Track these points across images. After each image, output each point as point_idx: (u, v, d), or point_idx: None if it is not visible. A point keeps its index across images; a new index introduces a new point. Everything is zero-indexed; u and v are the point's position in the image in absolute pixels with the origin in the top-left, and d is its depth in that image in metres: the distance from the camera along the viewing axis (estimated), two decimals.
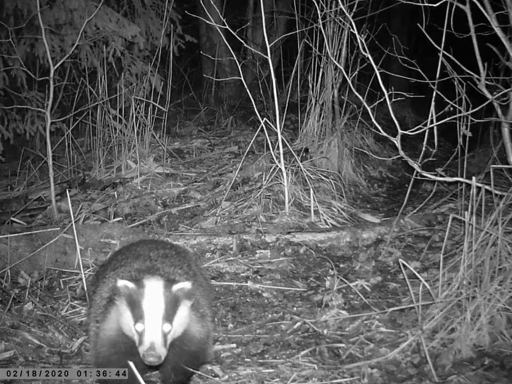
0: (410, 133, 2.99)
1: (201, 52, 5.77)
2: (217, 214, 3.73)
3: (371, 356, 2.27)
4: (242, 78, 3.79)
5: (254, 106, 3.79)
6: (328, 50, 4.03)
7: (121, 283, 1.80)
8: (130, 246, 2.44)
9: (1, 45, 4.66)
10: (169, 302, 1.77)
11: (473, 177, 2.47)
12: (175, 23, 5.56)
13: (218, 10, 4.18)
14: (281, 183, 3.80)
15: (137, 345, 1.75)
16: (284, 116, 4.02)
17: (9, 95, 4.82)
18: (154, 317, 1.74)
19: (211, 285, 2.79)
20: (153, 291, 1.77)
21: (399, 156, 3.11)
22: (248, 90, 3.87)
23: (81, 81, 4.96)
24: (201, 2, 3.83)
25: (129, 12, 5.72)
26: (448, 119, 3.02)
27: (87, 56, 4.92)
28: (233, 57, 3.88)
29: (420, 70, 3.33)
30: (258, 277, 3.03)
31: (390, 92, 3.05)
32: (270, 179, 3.85)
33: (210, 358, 2.15)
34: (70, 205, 2.70)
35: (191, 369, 1.99)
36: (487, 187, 2.57)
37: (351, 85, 3.50)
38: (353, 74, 4.57)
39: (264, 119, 3.70)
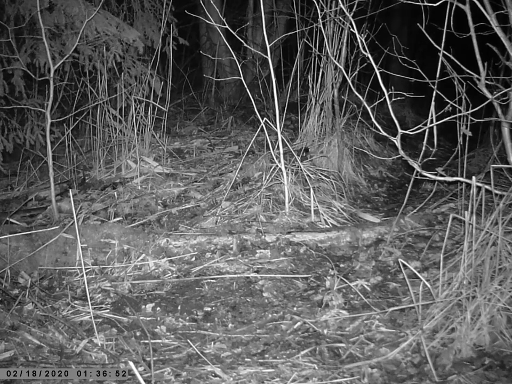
0: (410, 133, 2.99)
1: (201, 52, 5.76)
2: (217, 214, 3.73)
3: (371, 355, 2.27)
4: (242, 78, 3.79)
5: (254, 106, 3.79)
6: (328, 50, 4.03)
7: None
8: None
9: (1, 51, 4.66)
10: None
11: (473, 177, 2.47)
12: (170, 26, 5.56)
13: (218, 10, 4.17)
14: (281, 182, 3.79)
15: None
16: (284, 115, 4.02)
17: (9, 103, 4.83)
18: None
19: None
20: None
21: (399, 156, 3.10)
22: (248, 90, 3.86)
23: (81, 81, 4.96)
24: (201, 1, 3.83)
25: (129, 16, 5.71)
26: (448, 118, 3.02)
27: (90, 58, 4.91)
28: (233, 57, 3.87)
29: (419, 70, 3.33)
30: (259, 277, 3.03)
31: (390, 92, 3.04)
32: (270, 179, 3.85)
33: None
34: (72, 204, 2.70)
35: None
36: (487, 187, 2.57)
37: (351, 84, 3.50)
38: (353, 74, 4.57)
39: (264, 118, 3.70)
